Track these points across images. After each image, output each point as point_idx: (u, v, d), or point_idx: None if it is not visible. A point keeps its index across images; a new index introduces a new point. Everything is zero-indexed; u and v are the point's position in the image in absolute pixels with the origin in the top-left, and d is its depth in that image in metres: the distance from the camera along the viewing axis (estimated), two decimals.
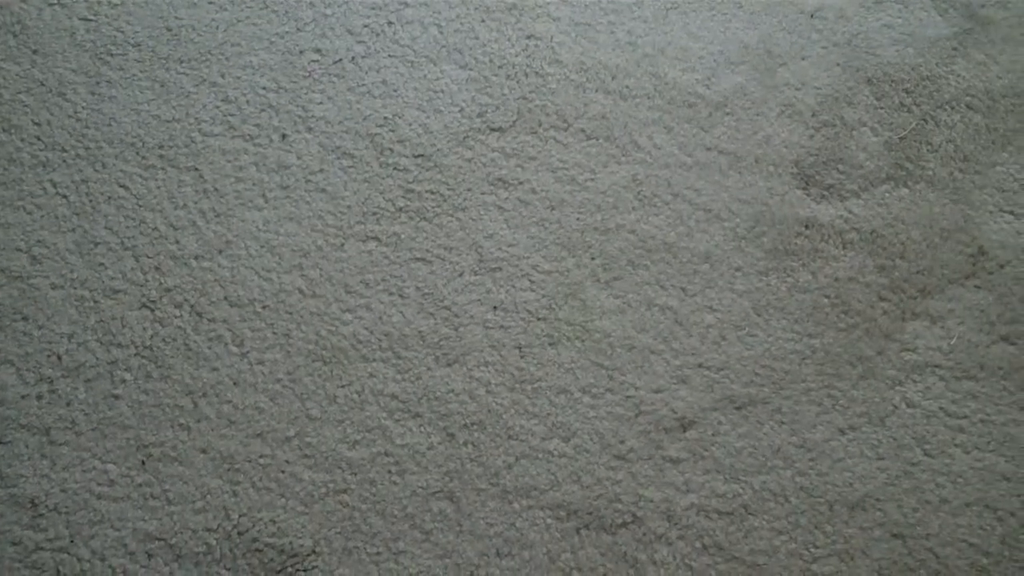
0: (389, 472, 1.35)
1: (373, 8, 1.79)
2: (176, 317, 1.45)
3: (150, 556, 1.28)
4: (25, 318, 1.44)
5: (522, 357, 1.44)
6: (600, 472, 1.35)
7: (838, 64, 1.75)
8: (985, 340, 1.46)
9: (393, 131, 1.64)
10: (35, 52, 1.71)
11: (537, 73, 1.72)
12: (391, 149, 1.62)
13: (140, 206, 1.55)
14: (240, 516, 1.31)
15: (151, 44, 1.73)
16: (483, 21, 1.79)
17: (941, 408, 1.40)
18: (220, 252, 1.51)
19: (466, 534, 1.31)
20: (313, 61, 1.72)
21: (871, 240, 1.55)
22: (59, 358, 1.41)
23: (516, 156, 1.62)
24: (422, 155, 1.62)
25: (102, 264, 1.49)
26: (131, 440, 1.35)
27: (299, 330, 1.45)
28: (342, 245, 1.53)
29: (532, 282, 1.50)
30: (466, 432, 1.38)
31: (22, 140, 1.60)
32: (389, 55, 1.73)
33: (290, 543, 1.29)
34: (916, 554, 1.29)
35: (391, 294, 1.49)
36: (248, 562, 1.28)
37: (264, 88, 1.68)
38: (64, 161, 1.58)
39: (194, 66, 1.70)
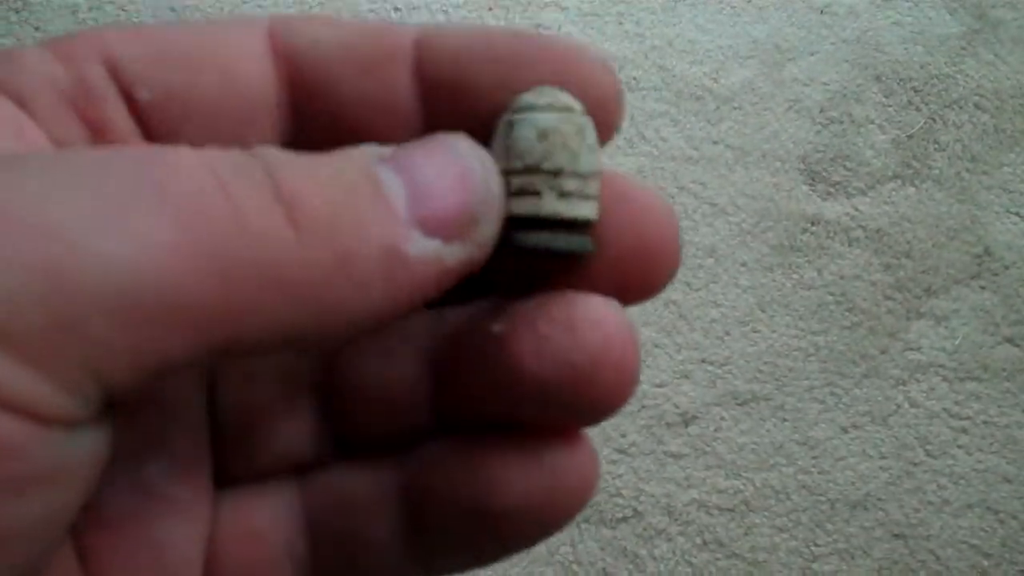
0: None
1: None
2: None
3: None
4: None
5: None
6: (601, 466, 1.34)
7: (847, 61, 1.73)
8: (989, 341, 1.45)
9: None
10: (37, 29, 1.69)
11: None
12: None
13: None
14: None
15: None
16: (490, 9, 1.77)
17: (944, 409, 1.39)
18: None
19: None
20: None
21: (877, 238, 1.54)
22: None
23: None
24: None
25: None
26: None
27: None
28: None
29: None
30: None
31: None
32: None
33: None
34: (917, 554, 1.29)
35: None
36: None
37: None
38: None
39: None
